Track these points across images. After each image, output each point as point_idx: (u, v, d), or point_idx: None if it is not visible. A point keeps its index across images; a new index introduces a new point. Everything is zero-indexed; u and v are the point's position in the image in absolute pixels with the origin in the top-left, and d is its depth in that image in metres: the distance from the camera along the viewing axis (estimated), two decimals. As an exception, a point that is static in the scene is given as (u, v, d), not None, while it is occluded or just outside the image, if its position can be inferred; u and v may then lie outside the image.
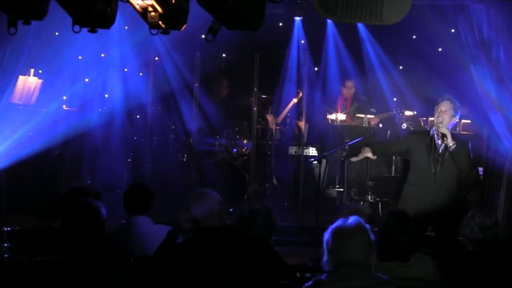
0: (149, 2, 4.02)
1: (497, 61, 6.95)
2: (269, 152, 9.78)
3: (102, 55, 8.91)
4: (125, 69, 9.29)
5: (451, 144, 5.87)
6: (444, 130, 5.89)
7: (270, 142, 9.81)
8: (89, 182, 8.71)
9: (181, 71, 9.69)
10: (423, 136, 6.17)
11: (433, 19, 7.74)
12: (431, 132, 6.11)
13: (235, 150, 9.56)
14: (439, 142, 5.99)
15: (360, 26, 9.55)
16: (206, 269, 3.82)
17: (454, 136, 5.99)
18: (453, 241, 5.79)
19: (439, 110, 5.97)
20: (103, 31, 4.41)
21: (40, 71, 8.11)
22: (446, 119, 5.94)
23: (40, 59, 7.69)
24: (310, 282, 3.38)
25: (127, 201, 5.07)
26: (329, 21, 9.13)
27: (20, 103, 7.97)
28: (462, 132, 8.54)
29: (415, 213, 5.50)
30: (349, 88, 9.77)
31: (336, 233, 3.35)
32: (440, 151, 5.98)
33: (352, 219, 3.39)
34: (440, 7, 7.40)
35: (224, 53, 10.99)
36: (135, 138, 9.67)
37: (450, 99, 6.02)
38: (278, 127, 10.04)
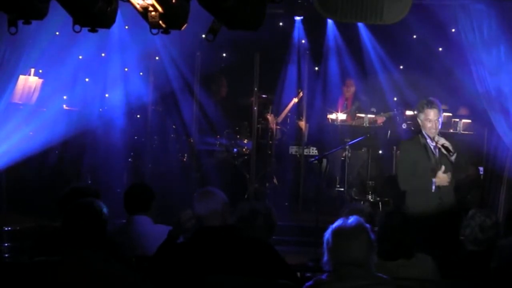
0: (150, 2, 4.01)
1: (497, 61, 6.96)
2: (270, 152, 9.76)
3: (103, 54, 8.90)
4: (126, 69, 9.28)
5: (453, 155, 5.67)
6: (445, 142, 5.70)
7: (270, 142, 9.80)
8: (89, 182, 8.69)
9: (181, 70, 9.67)
10: (416, 142, 5.92)
11: (433, 19, 7.73)
12: (424, 136, 5.85)
13: (235, 149, 9.54)
14: (433, 145, 5.81)
15: (360, 25, 9.54)
16: (207, 269, 3.82)
17: (449, 140, 5.79)
18: (455, 241, 5.74)
19: (429, 119, 5.74)
20: (103, 30, 4.42)
21: (40, 71, 8.11)
22: (438, 127, 5.78)
23: (41, 58, 7.69)
24: (310, 282, 3.38)
25: (127, 200, 5.07)
26: (329, 20, 9.13)
27: (20, 102, 7.97)
28: (462, 132, 8.53)
29: (423, 218, 5.41)
30: (349, 87, 9.76)
31: (336, 232, 3.35)
32: (436, 154, 5.83)
33: (352, 219, 3.40)
34: (440, 7, 7.38)
35: (225, 53, 10.98)
36: (135, 137, 9.65)
37: (436, 106, 5.76)
38: (278, 127, 10.03)
